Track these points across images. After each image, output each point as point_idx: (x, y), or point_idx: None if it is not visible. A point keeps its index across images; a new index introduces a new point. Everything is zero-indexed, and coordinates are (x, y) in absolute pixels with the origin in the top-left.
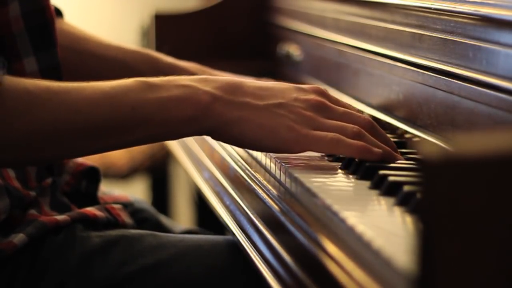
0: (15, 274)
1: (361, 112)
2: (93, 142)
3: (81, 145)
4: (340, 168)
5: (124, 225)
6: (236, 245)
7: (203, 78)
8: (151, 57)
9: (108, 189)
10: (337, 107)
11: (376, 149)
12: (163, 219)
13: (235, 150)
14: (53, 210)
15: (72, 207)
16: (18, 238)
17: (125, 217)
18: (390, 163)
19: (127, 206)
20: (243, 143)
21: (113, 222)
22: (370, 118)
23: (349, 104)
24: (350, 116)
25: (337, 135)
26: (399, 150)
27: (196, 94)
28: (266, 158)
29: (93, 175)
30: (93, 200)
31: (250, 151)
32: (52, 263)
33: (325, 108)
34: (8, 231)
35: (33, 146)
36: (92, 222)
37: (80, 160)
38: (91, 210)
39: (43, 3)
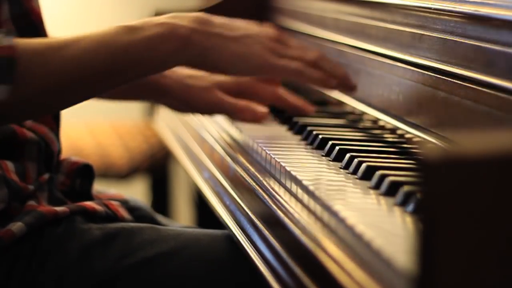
0: (15, 265)
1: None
2: (97, 86)
3: (87, 90)
4: (340, 168)
5: (123, 220)
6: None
7: (175, 15)
8: None
9: (103, 188)
10: (292, 39)
11: (332, 80)
12: (160, 218)
13: (234, 151)
14: (50, 205)
15: (68, 203)
16: (16, 226)
17: (124, 213)
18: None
19: (123, 203)
20: (217, 68)
21: (111, 216)
22: (320, 51)
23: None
24: (305, 46)
25: (300, 65)
26: (399, 150)
27: (175, 29)
28: (266, 158)
29: (87, 173)
30: (88, 198)
31: (251, 152)
32: (52, 255)
33: (283, 40)
34: (6, 222)
35: (48, 96)
36: (91, 215)
37: (74, 158)
38: (90, 204)
39: (27, 5)
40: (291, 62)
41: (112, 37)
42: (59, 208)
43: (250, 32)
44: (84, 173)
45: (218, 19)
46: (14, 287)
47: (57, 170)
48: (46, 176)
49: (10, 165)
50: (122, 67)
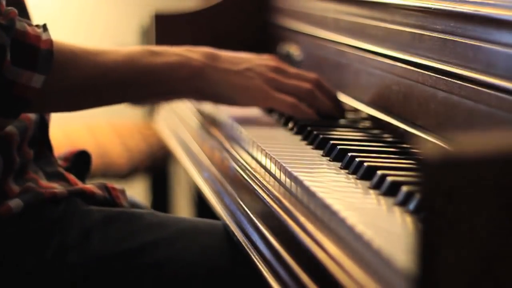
0: (12, 245)
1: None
2: (118, 93)
3: (108, 97)
4: (340, 168)
5: (121, 206)
6: None
7: (188, 49)
8: None
9: None
10: (291, 68)
11: (323, 112)
12: None
13: (235, 150)
14: (50, 181)
15: (70, 178)
16: (14, 202)
17: (123, 201)
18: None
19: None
20: (221, 99)
21: (110, 202)
22: (316, 76)
23: (298, 70)
24: (302, 75)
25: (296, 101)
26: (399, 150)
27: (189, 61)
28: (266, 159)
29: (84, 158)
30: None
31: (251, 151)
32: (51, 235)
33: (281, 70)
34: (3, 201)
35: (74, 95)
36: (89, 198)
37: (71, 148)
38: (89, 187)
39: None
40: (287, 97)
41: (137, 56)
42: (57, 190)
43: (251, 65)
44: (81, 159)
45: (224, 54)
46: (9, 267)
47: (51, 151)
48: (31, 152)
49: (16, 136)
50: (142, 84)
